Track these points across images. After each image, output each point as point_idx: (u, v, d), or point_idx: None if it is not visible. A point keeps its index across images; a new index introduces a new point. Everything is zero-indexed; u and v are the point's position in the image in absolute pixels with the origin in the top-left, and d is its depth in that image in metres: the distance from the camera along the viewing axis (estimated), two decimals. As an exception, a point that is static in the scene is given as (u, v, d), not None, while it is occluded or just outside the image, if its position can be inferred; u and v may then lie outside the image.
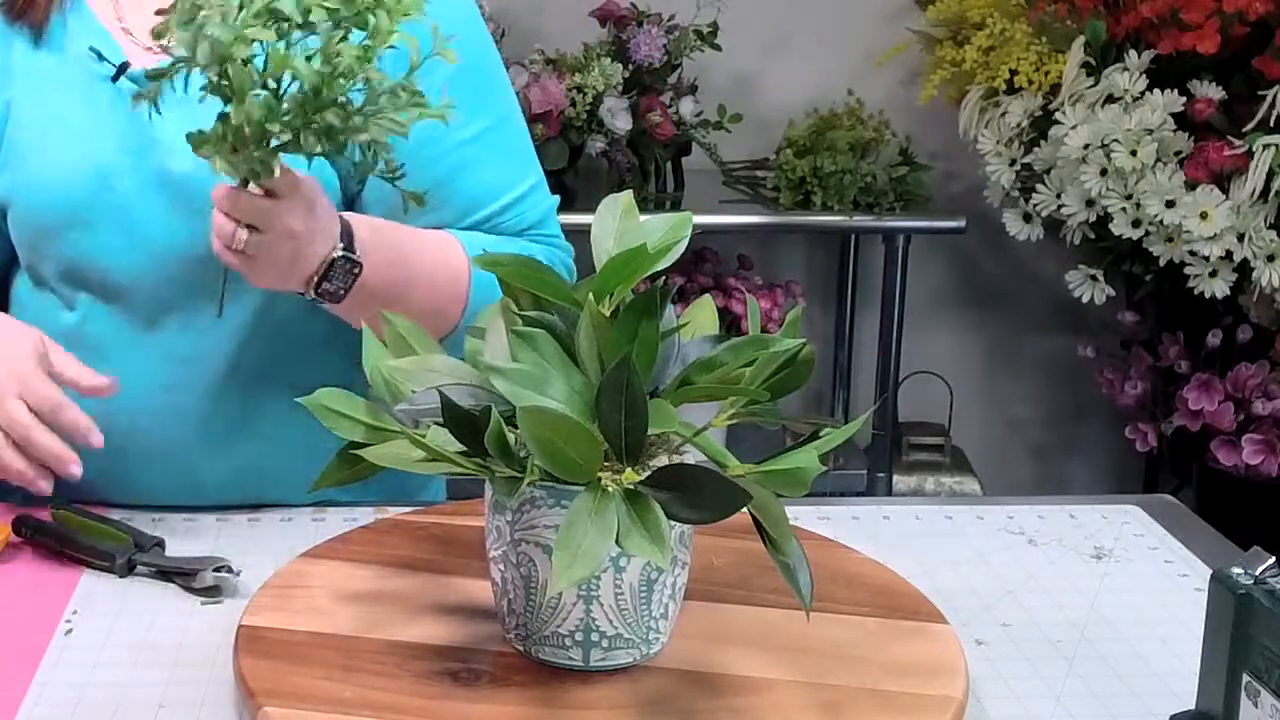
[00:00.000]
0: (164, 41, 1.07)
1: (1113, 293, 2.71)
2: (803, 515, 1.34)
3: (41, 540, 1.25)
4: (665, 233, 1.03)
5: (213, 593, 1.17)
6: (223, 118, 1.08)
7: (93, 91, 1.31)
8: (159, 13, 1.07)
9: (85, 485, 1.26)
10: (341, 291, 1.21)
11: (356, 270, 1.21)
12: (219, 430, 1.35)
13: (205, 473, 1.35)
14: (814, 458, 0.96)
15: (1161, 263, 2.56)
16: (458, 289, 1.33)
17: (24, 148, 1.32)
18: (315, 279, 1.20)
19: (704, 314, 1.08)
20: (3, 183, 1.33)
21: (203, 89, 1.07)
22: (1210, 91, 2.50)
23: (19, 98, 1.32)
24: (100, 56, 1.31)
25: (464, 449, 0.95)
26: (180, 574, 1.19)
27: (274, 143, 1.08)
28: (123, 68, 1.30)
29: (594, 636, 1.00)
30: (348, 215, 1.24)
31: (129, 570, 1.21)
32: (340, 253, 1.20)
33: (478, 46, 1.39)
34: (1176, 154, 2.49)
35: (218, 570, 1.18)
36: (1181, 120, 2.49)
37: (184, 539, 1.28)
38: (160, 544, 1.23)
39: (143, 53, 1.30)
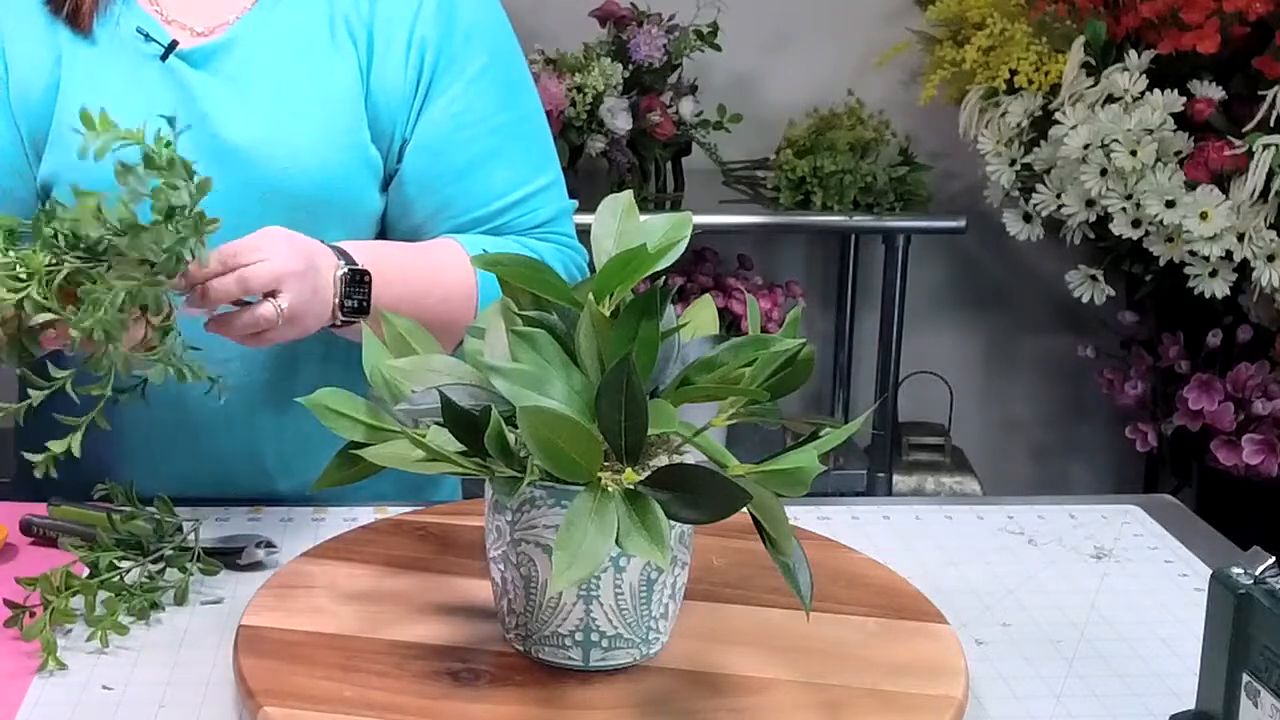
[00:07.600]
0: None
1: (1113, 293, 2.71)
2: (803, 515, 1.34)
3: (58, 533, 1.24)
4: (665, 233, 1.03)
5: (257, 567, 1.20)
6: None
7: (141, 71, 1.33)
8: None
9: (147, 467, 1.30)
10: (365, 302, 1.24)
11: (366, 278, 1.24)
12: (281, 401, 1.36)
13: (266, 444, 1.38)
14: (814, 458, 0.96)
15: (1161, 263, 2.56)
16: (469, 295, 1.35)
17: (70, 127, 1.33)
18: (338, 299, 1.23)
19: (704, 314, 1.08)
20: (49, 162, 1.34)
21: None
22: (1210, 91, 2.50)
23: (66, 80, 1.34)
24: (148, 37, 1.33)
25: (464, 449, 0.95)
26: (223, 554, 1.21)
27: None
28: (171, 46, 1.33)
29: (594, 636, 1.00)
30: (340, 244, 1.28)
31: (161, 558, 1.19)
32: (344, 268, 1.24)
33: (505, 45, 1.43)
34: (1176, 154, 2.48)
35: (259, 546, 1.22)
36: (1181, 120, 2.49)
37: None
38: (179, 528, 1.22)
39: (187, 35, 1.35)
